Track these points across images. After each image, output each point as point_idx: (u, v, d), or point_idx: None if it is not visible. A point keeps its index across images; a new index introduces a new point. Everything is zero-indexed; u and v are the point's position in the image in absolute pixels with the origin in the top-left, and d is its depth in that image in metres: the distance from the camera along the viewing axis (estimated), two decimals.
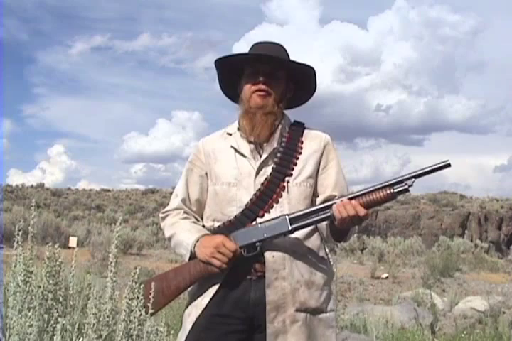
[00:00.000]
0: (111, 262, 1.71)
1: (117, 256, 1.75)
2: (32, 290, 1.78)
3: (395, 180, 1.56)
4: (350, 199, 1.56)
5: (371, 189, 1.57)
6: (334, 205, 1.56)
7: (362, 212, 1.54)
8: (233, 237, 1.61)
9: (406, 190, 1.56)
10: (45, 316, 1.77)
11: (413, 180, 1.55)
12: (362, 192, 1.57)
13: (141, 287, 1.68)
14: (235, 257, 1.59)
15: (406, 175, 1.56)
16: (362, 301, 7.66)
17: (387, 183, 1.56)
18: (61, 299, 1.79)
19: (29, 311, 1.75)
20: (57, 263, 1.83)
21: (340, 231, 1.64)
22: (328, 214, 1.57)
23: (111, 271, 1.73)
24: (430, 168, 1.56)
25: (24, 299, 1.79)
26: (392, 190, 1.55)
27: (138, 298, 1.66)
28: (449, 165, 1.54)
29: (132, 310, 1.68)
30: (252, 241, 1.59)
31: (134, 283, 1.68)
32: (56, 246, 1.84)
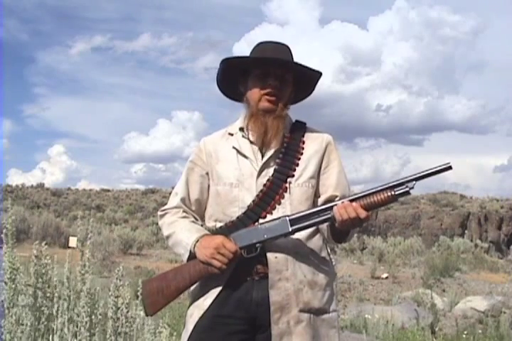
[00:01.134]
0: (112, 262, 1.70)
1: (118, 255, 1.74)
2: (22, 289, 1.77)
3: (396, 182, 1.55)
4: (351, 201, 1.55)
5: (372, 191, 1.56)
6: (335, 207, 1.55)
7: (363, 214, 1.53)
8: (233, 238, 1.60)
9: (407, 193, 1.55)
10: (36, 314, 1.76)
11: (414, 182, 1.55)
12: (363, 194, 1.57)
13: (141, 283, 1.67)
14: (235, 258, 1.58)
15: (407, 177, 1.56)
16: (362, 301, 7.66)
17: (388, 185, 1.56)
18: (51, 297, 1.78)
19: (20, 309, 1.74)
20: (45, 261, 1.82)
21: (341, 232, 1.64)
22: (329, 215, 1.57)
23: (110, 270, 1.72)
24: (431, 171, 1.55)
25: (11, 296, 1.78)
26: (393, 193, 1.55)
27: (123, 295, 1.65)
28: (450, 168, 1.54)
29: (119, 308, 1.67)
30: (253, 242, 1.58)
31: (118, 281, 1.67)
32: (44, 244, 1.83)
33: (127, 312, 1.65)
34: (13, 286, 1.76)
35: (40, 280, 1.78)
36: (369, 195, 1.56)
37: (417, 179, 1.55)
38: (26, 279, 1.78)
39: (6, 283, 1.76)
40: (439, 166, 1.55)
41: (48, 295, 1.77)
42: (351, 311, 6.16)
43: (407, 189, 1.55)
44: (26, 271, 1.83)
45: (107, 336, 1.64)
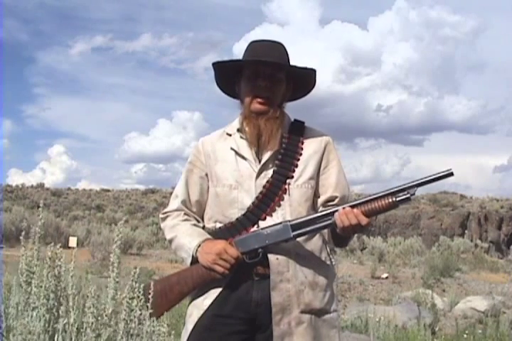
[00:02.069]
0: (113, 262, 1.71)
1: (119, 256, 1.74)
2: (33, 291, 1.78)
3: (397, 189, 1.55)
4: (352, 207, 1.55)
5: (373, 197, 1.56)
6: (336, 213, 1.55)
7: (364, 221, 1.53)
8: (235, 243, 1.60)
9: (408, 199, 1.55)
10: (47, 316, 1.77)
11: (415, 188, 1.55)
12: (364, 200, 1.57)
13: (142, 287, 1.69)
14: (237, 263, 1.59)
15: (408, 183, 1.56)
16: (362, 301, 7.66)
17: (389, 191, 1.56)
18: (62, 299, 1.79)
19: (32, 311, 1.75)
20: (59, 263, 1.83)
21: (341, 237, 1.64)
22: (330, 221, 1.57)
23: (113, 271, 1.73)
24: (432, 177, 1.55)
25: (26, 299, 1.79)
26: (394, 199, 1.55)
27: (138, 297, 1.66)
28: (451, 174, 1.54)
29: (132, 310, 1.68)
30: (255, 247, 1.59)
31: (134, 283, 1.68)
32: (58, 246, 1.84)
33: (140, 314, 1.66)
34: (29, 290, 1.77)
35: (53, 282, 1.79)
36: (370, 201, 1.56)
37: (418, 185, 1.55)
38: (39, 281, 1.78)
39: (21, 285, 1.76)
40: (441, 172, 1.55)
41: (60, 298, 1.78)
42: (351, 311, 6.16)
43: (408, 195, 1.55)
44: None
45: (119, 337, 1.65)
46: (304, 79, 1.74)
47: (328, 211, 1.59)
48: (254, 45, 1.73)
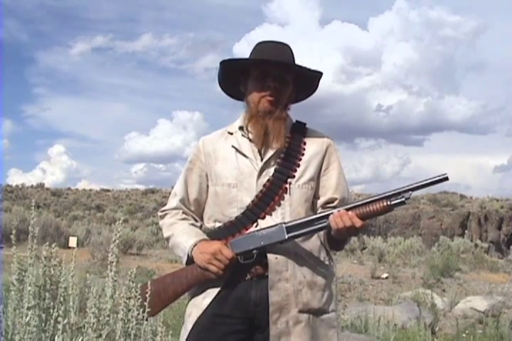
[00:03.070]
0: (111, 261, 1.71)
1: (118, 255, 1.75)
2: (29, 290, 1.78)
3: (392, 192, 1.57)
4: (348, 209, 1.56)
5: (368, 200, 1.58)
6: (331, 215, 1.56)
7: (358, 223, 1.54)
8: (231, 244, 1.62)
9: (403, 203, 1.56)
10: (43, 315, 1.77)
11: (410, 192, 1.56)
12: (359, 203, 1.58)
13: (139, 287, 1.70)
14: (232, 264, 1.60)
15: (403, 187, 1.57)
16: (362, 301, 7.66)
17: (384, 195, 1.57)
18: (59, 298, 1.80)
19: (27, 310, 1.75)
20: (55, 262, 1.84)
21: (337, 240, 1.65)
22: (325, 223, 1.58)
23: (111, 270, 1.74)
24: (427, 181, 1.56)
25: (20, 297, 1.79)
26: (389, 202, 1.56)
27: (136, 297, 1.67)
28: (446, 179, 1.55)
29: (130, 310, 1.69)
30: (249, 248, 1.60)
31: (131, 283, 1.69)
32: (53, 245, 1.84)
33: (138, 314, 1.67)
34: (21, 287, 1.77)
35: (49, 281, 1.79)
36: (365, 204, 1.57)
37: (413, 189, 1.56)
38: (34, 280, 1.79)
39: (13, 284, 1.77)
40: (436, 177, 1.56)
41: (56, 297, 1.79)
42: (351, 311, 6.15)
43: (402, 199, 1.56)
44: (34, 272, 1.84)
45: (116, 337, 1.66)
46: (307, 82, 1.76)
47: (324, 213, 1.60)
48: (262, 46, 1.74)
